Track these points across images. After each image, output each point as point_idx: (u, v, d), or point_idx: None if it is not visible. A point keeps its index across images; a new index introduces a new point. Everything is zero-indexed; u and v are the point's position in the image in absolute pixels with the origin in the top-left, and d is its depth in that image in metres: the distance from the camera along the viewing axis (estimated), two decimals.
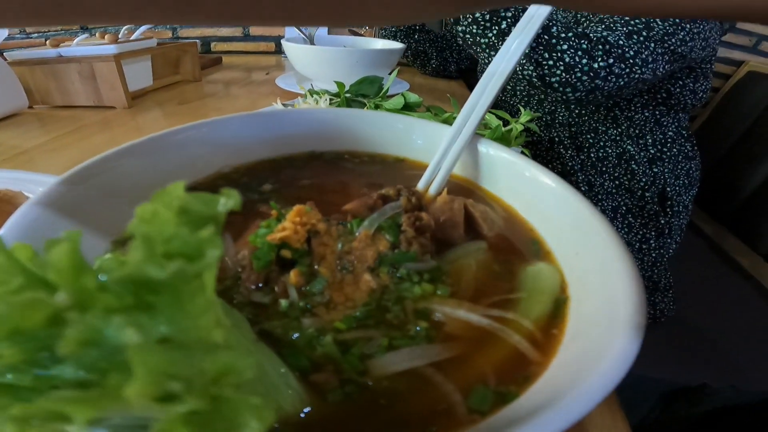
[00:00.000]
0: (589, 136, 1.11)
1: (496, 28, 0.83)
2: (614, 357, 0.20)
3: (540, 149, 1.17)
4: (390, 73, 1.12)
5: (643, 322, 0.22)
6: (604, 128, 1.09)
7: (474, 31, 0.86)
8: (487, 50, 0.88)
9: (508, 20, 0.82)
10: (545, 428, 0.17)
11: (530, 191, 0.37)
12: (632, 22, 0.85)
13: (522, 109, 0.84)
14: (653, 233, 1.13)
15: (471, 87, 1.46)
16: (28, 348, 0.13)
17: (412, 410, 0.22)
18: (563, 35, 0.83)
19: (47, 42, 1.11)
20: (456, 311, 0.26)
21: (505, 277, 0.31)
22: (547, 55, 0.84)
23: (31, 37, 1.97)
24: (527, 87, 1.13)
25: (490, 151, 0.42)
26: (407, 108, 0.84)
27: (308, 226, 0.27)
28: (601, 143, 1.10)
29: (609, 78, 0.85)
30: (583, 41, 0.83)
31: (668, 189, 1.11)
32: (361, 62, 1.14)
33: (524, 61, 0.86)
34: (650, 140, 1.08)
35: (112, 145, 1.07)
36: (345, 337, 0.24)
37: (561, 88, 0.87)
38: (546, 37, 0.83)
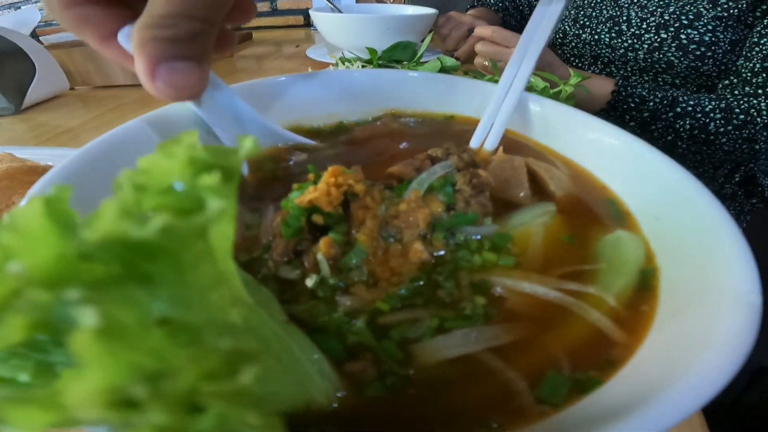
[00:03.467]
0: None
1: None
2: (726, 343, 0.16)
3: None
4: (422, 40, 1.05)
5: (759, 300, 0.18)
6: None
7: None
8: None
9: None
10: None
11: (597, 149, 0.32)
12: None
13: (572, 71, 0.77)
14: (732, 212, 1.04)
15: None
16: None
17: (467, 402, 0.19)
18: (722, 130, 0.82)
19: None
20: (520, 284, 0.22)
21: (580, 244, 0.26)
22: (705, 147, 0.85)
23: None
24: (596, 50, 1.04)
25: (548, 109, 0.37)
26: (444, 72, 0.78)
27: (344, 187, 0.23)
28: None
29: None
30: (744, 130, 0.82)
31: (758, 176, 1.02)
32: (392, 29, 1.08)
33: (679, 141, 0.85)
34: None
35: None
36: (385, 321, 0.21)
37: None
38: (703, 135, 0.83)
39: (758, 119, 0.80)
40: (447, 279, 0.22)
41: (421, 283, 0.22)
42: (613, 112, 0.85)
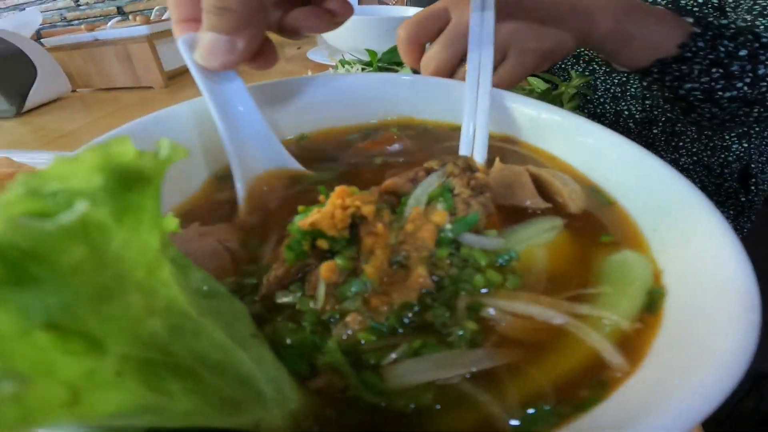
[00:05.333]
0: (666, 108, 1.00)
1: None
2: (720, 364, 0.16)
3: (603, 123, 1.07)
4: None
5: (758, 320, 0.17)
6: None
7: None
8: None
9: None
10: None
11: (597, 156, 0.31)
12: None
13: (573, 73, 0.76)
14: (731, 212, 1.02)
15: None
16: None
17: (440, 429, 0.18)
18: None
19: (83, 27, 1.13)
20: (521, 306, 0.21)
21: (586, 263, 0.25)
22: None
23: (72, 25, 2.04)
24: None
25: (543, 114, 0.36)
26: None
27: (351, 209, 0.22)
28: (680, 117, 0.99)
29: None
30: None
31: (752, 166, 0.99)
32: (392, 31, 1.06)
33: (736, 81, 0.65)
34: None
35: None
36: (360, 345, 0.20)
37: None
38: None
39: None
40: (442, 304, 0.21)
41: (416, 309, 0.21)
42: (702, 41, 0.62)
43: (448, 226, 0.23)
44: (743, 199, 1.01)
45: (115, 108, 1.05)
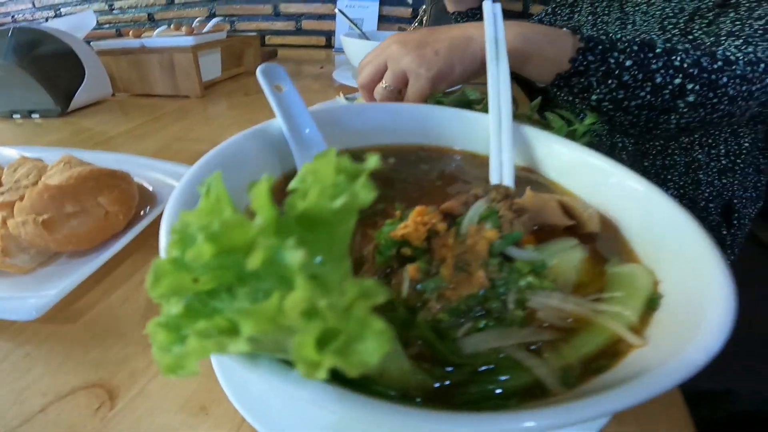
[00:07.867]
0: (657, 143, 1.07)
1: None
2: (704, 337, 0.22)
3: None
4: None
5: (733, 305, 0.23)
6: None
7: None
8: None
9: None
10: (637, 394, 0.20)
11: (614, 190, 0.39)
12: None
13: (588, 113, 0.83)
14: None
15: (524, 86, 1.45)
16: (221, 276, 0.16)
17: (500, 385, 0.24)
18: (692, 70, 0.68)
19: (130, 33, 1.20)
20: (556, 302, 0.27)
21: (599, 274, 0.32)
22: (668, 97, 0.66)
23: (103, 28, 2.11)
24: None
25: (557, 148, 0.45)
26: (467, 105, 0.85)
27: (429, 225, 0.29)
28: (669, 150, 1.05)
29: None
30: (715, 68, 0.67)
31: (735, 201, 1.06)
32: None
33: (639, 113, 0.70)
34: (723, 150, 1.02)
35: (188, 134, 1.15)
36: (439, 323, 0.26)
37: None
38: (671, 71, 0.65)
39: (733, 57, 0.65)
40: (496, 298, 0.28)
41: (476, 300, 0.28)
42: (591, 55, 0.66)
43: (498, 242, 0.30)
44: (724, 232, 1.08)
45: (154, 115, 1.10)
